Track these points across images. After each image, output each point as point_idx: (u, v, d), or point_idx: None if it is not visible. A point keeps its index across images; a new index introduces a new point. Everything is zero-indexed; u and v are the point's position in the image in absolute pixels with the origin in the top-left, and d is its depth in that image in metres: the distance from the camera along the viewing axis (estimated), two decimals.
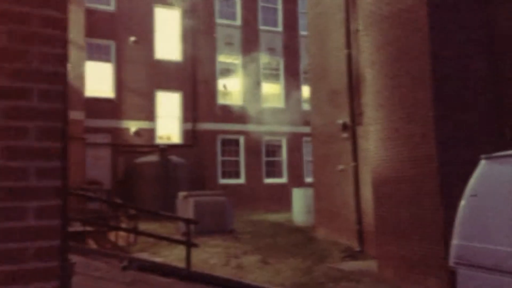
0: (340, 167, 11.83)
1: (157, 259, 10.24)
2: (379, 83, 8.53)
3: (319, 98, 12.97)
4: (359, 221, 10.90)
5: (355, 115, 11.24)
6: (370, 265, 9.71)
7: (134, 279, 5.27)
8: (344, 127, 11.48)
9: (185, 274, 6.39)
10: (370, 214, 10.51)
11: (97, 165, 17.72)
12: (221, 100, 20.36)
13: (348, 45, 11.33)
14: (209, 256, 10.19)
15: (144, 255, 10.63)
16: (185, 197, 12.33)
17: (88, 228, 9.11)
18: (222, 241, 11.51)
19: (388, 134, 8.29)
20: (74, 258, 5.86)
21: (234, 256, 10.18)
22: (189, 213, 12.15)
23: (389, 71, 8.26)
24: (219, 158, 19.89)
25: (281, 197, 19.80)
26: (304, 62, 22.19)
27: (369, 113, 8.89)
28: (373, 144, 8.67)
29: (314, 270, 9.26)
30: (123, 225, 13.22)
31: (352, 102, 11.29)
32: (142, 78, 18.86)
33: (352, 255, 10.65)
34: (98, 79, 18.24)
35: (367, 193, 10.77)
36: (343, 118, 11.62)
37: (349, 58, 11.32)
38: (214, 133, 19.81)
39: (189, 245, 6.64)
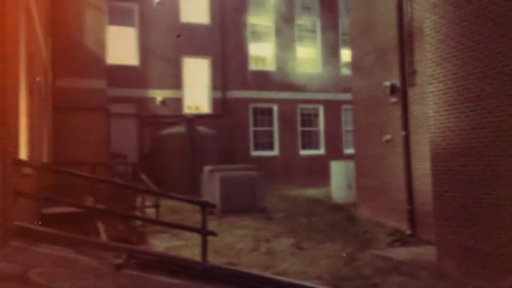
0: (387, 137, 10.19)
1: (177, 243, 9.15)
2: (443, 30, 6.77)
3: (362, 58, 11.22)
4: (410, 200, 9.32)
5: (406, 75, 9.49)
6: (424, 252, 8.19)
7: (126, 286, 4.08)
8: (393, 89, 9.77)
9: (200, 270, 5.17)
10: (424, 193, 8.92)
11: (123, 138, 16.78)
12: (252, 66, 18.82)
13: None
14: (236, 240, 8.98)
15: (164, 237, 9.58)
16: (211, 171, 11.10)
17: (100, 206, 8.04)
18: (252, 221, 10.26)
19: (454, 95, 6.59)
20: (58, 251, 4.74)
21: (264, 240, 8.92)
22: (215, 190, 10.95)
23: (458, 15, 6.49)
24: (251, 128, 18.53)
25: (318, 170, 18.31)
26: (343, 23, 20.18)
27: (428, 70, 7.17)
28: (433, 109, 7.00)
29: (357, 258, 7.86)
30: (147, 202, 12.26)
31: (403, 59, 9.52)
32: (168, 43, 17.55)
33: (401, 239, 9.15)
34: (121, 45, 17.09)
35: (420, 167, 9.14)
36: (391, 79, 9.90)
37: (400, 6, 9.48)
38: (246, 101, 18.39)
39: (205, 233, 5.41)
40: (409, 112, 9.45)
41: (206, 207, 5.62)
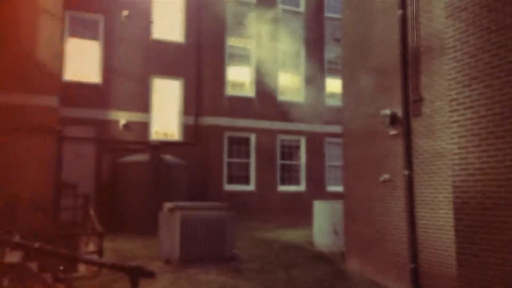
0: (385, 176, 8.47)
1: None
2: (472, 41, 5.17)
3: (355, 82, 9.63)
4: (414, 256, 7.51)
5: (410, 103, 7.88)
6: None
7: None
8: (393, 119, 8.13)
9: None
10: (433, 248, 7.15)
11: (78, 165, 14.65)
12: (230, 91, 17.14)
13: (403, 3, 7.99)
14: None
15: None
16: (171, 210, 9.12)
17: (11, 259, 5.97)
18: (217, 275, 8.24)
19: (488, 127, 4.92)
20: None
21: None
22: (175, 233, 8.93)
23: (494, 20, 4.91)
24: (225, 159, 16.66)
25: (298, 208, 16.45)
26: (329, 50, 18.87)
27: (450, 93, 5.53)
28: (458, 144, 5.31)
29: None
30: (91, 244, 10.13)
31: (406, 83, 7.93)
32: (136, 61, 15.77)
33: None
34: (81, 60, 15.21)
35: (427, 216, 7.40)
36: (392, 107, 8.28)
37: (404, 21, 7.97)
38: (221, 129, 16.60)
39: None
40: (413, 147, 7.78)
41: (137, 276, 3.68)
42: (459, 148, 5.31)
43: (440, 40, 7.28)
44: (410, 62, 7.91)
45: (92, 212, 10.65)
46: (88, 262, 4.58)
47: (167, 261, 8.93)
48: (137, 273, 3.66)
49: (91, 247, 9.91)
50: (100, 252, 8.84)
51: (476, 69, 5.16)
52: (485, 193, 4.91)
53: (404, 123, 7.93)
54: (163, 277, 8.04)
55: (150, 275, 3.79)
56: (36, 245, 3.62)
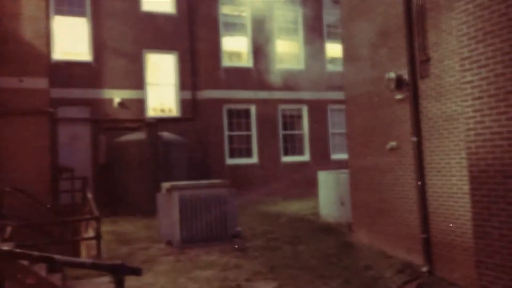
0: (392, 144, 8.01)
1: None
2: None
3: (356, 45, 9.03)
4: (426, 226, 7.14)
5: (417, 64, 7.33)
6: None
7: None
8: (399, 83, 7.59)
9: None
10: (444, 217, 6.77)
11: (74, 147, 14.28)
12: (226, 62, 16.52)
13: None
14: None
15: (101, 284, 7.16)
16: (169, 190, 8.76)
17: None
18: (221, 256, 7.94)
19: (507, 86, 4.42)
20: None
21: (235, 285, 6.61)
22: (174, 214, 8.60)
23: None
24: (226, 133, 16.21)
25: (303, 179, 16.10)
26: (328, 13, 18.07)
27: (462, 50, 4.98)
28: (473, 106, 4.82)
29: None
30: (90, 229, 9.85)
31: (412, 42, 7.35)
32: (127, 36, 15.12)
33: (416, 278, 6.96)
34: (70, 38, 14.59)
35: (437, 184, 6.98)
36: (397, 70, 7.73)
37: None
38: (219, 102, 16.08)
39: None
40: (422, 111, 7.28)
41: (122, 275, 3.30)
42: (473, 111, 4.82)
43: None
44: (415, 19, 7.30)
45: (90, 196, 10.32)
46: (66, 264, 4.18)
47: (169, 243, 8.63)
48: (121, 272, 3.29)
49: (90, 232, 9.64)
50: (98, 237, 8.53)
51: (490, 22, 4.60)
52: (504, 160, 4.45)
53: (411, 86, 7.40)
54: (164, 259, 7.76)
55: (135, 272, 3.41)
56: (5, 248, 3.23)
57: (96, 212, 8.95)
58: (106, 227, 10.33)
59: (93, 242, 8.49)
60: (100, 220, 8.56)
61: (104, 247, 8.58)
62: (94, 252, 8.48)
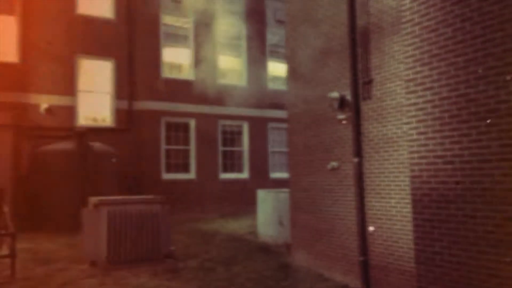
0: (333, 164, 7.93)
1: None
2: (433, 14, 4.61)
3: (300, 63, 8.96)
4: (364, 248, 7.05)
5: (360, 85, 7.34)
6: None
7: None
8: (342, 103, 7.55)
9: None
10: (383, 239, 6.72)
11: None
12: (167, 73, 15.98)
13: None
14: None
15: None
16: (96, 205, 8.03)
17: None
18: (150, 278, 7.33)
19: (451, 110, 4.41)
20: None
21: None
22: (102, 231, 7.88)
23: None
24: (163, 146, 15.57)
25: (241, 197, 15.80)
26: (272, 32, 18.17)
27: (407, 72, 4.95)
28: (417, 129, 4.77)
29: None
30: (4, 246, 8.81)
31: (355, 64, 7.36)
32: (59, 38, 14.13)
33: None
34: None
35: (376, 206, 6.94)
36: (340, 90, 7.70)
37: None
38: (157, 114, 15.45)
39: None
40: (363, 133, 7.27)
41: None
42: (418, 133, 4.77)
43: (392, 17, 6.76)
44: (359, 41, 7.34)
45: (6, 209, 9.28)
46: None
47: (93, 263, 7.87)
48: None
49: (4, 249, 8.62)
50: (12, 255, 7.60)
51: (437, 45, 4.61)
52: (448, 184, 4.40)
53: (353, 107, 7.38)
54: (86, 282, 7.02)
55: None
56: None
57: (11, 228, 8.01)
58: (24, 244, 9.33)
59: (7, 261, 7.57)
60: (15, 236, 7.66)
61: (19, 266, 7.67)
62: (7, 272, 7.55)
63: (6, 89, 13.23)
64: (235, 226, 12.60)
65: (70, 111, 14.17)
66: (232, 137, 17.16)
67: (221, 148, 16.66)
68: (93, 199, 8.27)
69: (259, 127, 17.41)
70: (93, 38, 14.63)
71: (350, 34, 7.44)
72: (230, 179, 16.54)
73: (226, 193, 16.03)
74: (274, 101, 16.96)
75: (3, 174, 12.95)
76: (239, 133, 17.29)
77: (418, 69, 4.82)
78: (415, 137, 4.82)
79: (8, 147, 13.27)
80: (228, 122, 16.90)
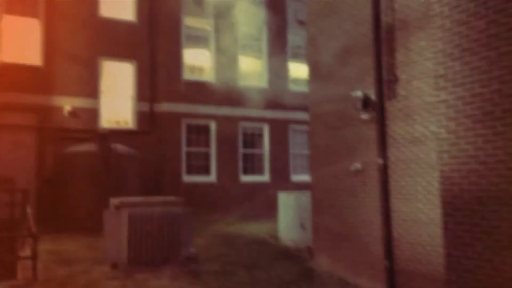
0: (356, 165, 7.70)
1: None
2: (465, 5, 4.37)
3: (322, 62, 8.77)
4: (389, 254, 6.80)
5: (385, 84, 7.11)
6: None
7: None
8: (366, 102, 7.33)
9: None
10: (410, 245, 6.46)
11: (15, 156, 13.15)
12: (188, 76, 15.98)
13: None
14: None
15: None
16: (118, 207, 8.01)
17: None
18: (172, 281, 7.25)
19: (485, 107, 4.16)
20: None
21: None
22: (122, 233, 7.85)
23: None
24: (184, 149, 15.56)
25: (261, 199, 15.62)
26: (293, 33, 17.99)
27: (437, 68, 4.73)
28: (447, 127, 4.54)
29: None
30: (27, 248, 8.88)
31: (380, 62, 7.13)
32: (82, 41, 14.30)
33: None
34: (19, 40, 13.62)
35: (403, 210, 6.68)
36: (364, 89, 7.48)
37: None
38: (178, 116, 15.46)
39: None
40: (388, 133, 7.03)
41: None
42: (447, 132, 4.54)
43: (418, 12, 6.52)
44: (384, 38, 7.11)
45: (29, 210, 9.37)
46: None
47: (114, 265, 7.84)
48: None
49: (27, 250, 8.69)
50: (34, 256, 7.63)
51: (468, 39, 4.37)
52: (481, 185, 4.15)
53: (377, 106, 7.15)
54: (107, 284, 6.99)
55: None
56: None
57: (34, 229, 8.06)
58: (46, 246, 9.40)
59: (29, 262, 7.61)
60: (37, 237, 7.69)
61: (41, 268, 7.70)
62: (29, 273, 7.59)
63: (30, 91, 13.45)
64: (256, 229, 12.46)
65: (93, 113, 14.30)
66: (252, 140, 17.04)
67: (241, 150, 16.55)
68: (114, 201, 8.25)
69: (280, 129, 17.23)
70: (115, 40, 14.75)
71: (374, 31, 7.22)
72: (251, 182, 16.41)
73: (247, 196, 15.89)
74: (295, 103, 16.76)
75: (27, 176, 13.16)
76: (260, 135, 17.15)
77: (449, 64, 4.59)
78: (444, 135, 4.58)
79: (32, 149, 13.49)
80: (248, 124, 16.79)
